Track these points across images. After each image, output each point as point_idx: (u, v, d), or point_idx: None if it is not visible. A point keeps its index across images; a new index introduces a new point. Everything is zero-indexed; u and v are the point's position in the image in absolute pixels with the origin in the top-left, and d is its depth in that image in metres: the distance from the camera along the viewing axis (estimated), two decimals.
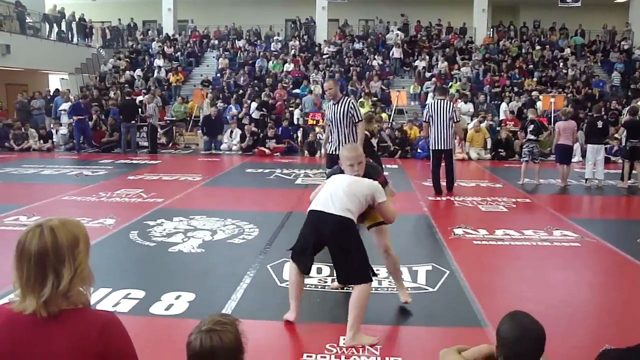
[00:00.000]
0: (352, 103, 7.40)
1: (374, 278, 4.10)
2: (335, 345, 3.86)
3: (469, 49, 24.17)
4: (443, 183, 9.96)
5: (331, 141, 7.59)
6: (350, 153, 4.24)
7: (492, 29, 26.34)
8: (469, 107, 18.53)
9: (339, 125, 7.37)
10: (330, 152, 7.53)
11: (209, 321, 2.12)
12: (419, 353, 3.85)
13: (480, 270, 5.81)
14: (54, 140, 17.19)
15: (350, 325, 3.87)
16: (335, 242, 3.96)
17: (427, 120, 9.84)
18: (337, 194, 3.97)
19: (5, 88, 23.36)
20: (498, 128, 17.13)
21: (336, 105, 7.36)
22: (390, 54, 23.43)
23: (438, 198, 9.54)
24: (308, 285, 5.01)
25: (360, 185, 4.04)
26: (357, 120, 7.33)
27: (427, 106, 9.92)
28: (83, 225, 1.99)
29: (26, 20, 23.98)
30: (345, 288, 4.76)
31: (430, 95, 19.78)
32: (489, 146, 16.11)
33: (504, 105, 18.59)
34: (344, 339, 3.89)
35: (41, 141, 17.07)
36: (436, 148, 9.81)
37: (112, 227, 7.14)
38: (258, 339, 3.45)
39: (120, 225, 7.23)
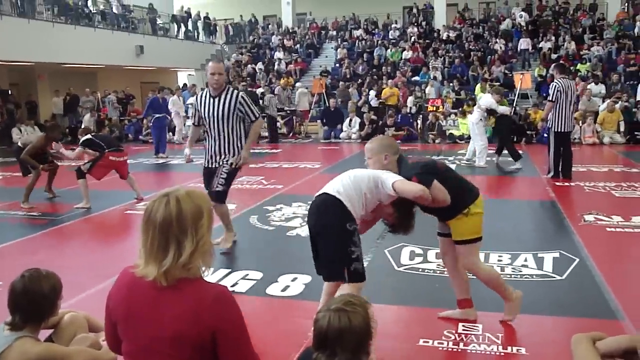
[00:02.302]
0: (243, 97, 5.54)
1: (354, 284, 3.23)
2: (454, 331, 3.71)
3: (599, 27, 22.55)
4: None
5: (205, 148, 5.70)
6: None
7: (627, 3, 24.44)
8: (600, 88, 17.31)
9: (219, 126, 5.45)
10: (205, 165, 5.71)
11: (339, 300, 2.07)
12: (545, 343, 3.58)
13: (615, 259, 5.38)
14: (183, 132, 18.05)
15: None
16: (313, 221, 3.32)
17: (554, 99, 9.23)
18: (337, 178, 3.40)
19: (140, 86, 24.96)
20: (634, 109, 15.85)
21: (216, 99, 5.43)
22: (518, 45, 22.07)
23: (566, 184, 8.99)
24: (426, 271, 4.89)
25: (364, 171, 3.43)
26: (253, 119, 5.59)
27: (554, 85, 9.25)
28: (208, 199, 2.02)
29: (157, 22, 25.49)
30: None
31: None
32: (622, 129, 14.96)
33: None
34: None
35: (170, 134, 18.00)
36: (564, 130, 9.23)
37: (233, 211, 7.33)
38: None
39: (241, 210, 7.47)
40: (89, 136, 8.35)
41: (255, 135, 5.77)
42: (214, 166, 5.58)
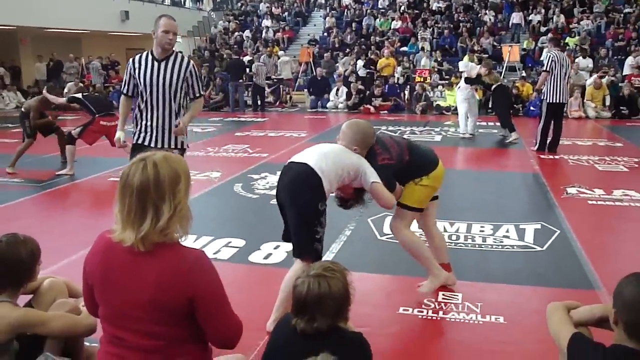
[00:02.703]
0: (194, 65, 4.67)
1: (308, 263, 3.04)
2: (434, 300, 3.75)
3: (589, 0, 22.44)
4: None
5: (139, 123, 4.66)
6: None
7: None
8: (588, 62, 17.29)
9: (164, 95, 4.48)
10: (139, 142, 4.64)
11: (318, 266, 2.09)
12: (523, 312, 3.63)
13: (595, 231, 5.44)
14: None
15: (275, 308, 3.33)
16: (287, 191, 3.25)
17: (548, 69, 9.15)
18: (321, 151, 3.33)
19: (125, 53, 24.59)
20: (621, 84, 15.88)
21: (162, 63, 4.45)
22: (510, 19, 21.74)
23: (551, 157, 9.03)
24: None
25: (350, 156, 3.37)
26: (197, 95, 4.66)
27: (549, 55, 9.24)
28: (185, 163, 1.99)
29: None
30: None
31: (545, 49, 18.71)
32: (607, 103, 15.00)
33: (629, 60, 17.14)
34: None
35: None
36: (556, 101, 9.19)
37: (217, 179, 7.36)
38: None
39: (225, 178, 7.44)
40: (79, 95, 8.23)
41: (196, 113, 4.84)
42: (151, 145, 4.58)
